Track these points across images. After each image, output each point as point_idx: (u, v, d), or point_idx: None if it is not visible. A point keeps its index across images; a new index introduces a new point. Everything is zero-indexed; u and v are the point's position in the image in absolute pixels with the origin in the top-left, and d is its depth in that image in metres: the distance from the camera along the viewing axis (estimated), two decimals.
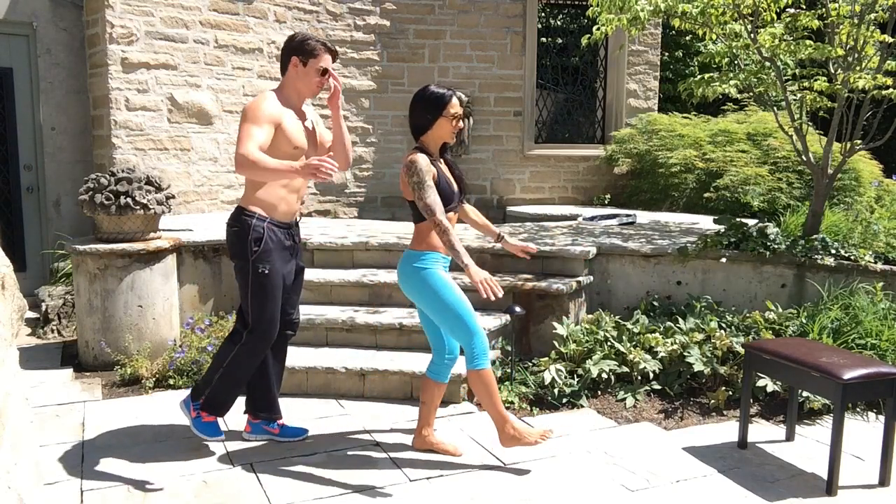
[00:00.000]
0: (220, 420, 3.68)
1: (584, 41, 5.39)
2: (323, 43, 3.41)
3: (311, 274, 5.04)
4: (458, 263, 3.16)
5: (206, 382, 3.49)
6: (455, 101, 3.33)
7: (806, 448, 3.65)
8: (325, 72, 3.41)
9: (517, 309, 4.28)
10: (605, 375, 4.26)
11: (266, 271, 3.32)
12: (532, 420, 3.97)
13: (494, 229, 3.67)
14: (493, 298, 3.10)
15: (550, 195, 8.65)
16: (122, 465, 3.38)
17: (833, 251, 4.93)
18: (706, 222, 6.56)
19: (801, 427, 3.89)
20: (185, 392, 4.32)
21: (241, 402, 3.75)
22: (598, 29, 5.20)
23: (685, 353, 4.30)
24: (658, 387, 4.29)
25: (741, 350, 4.17)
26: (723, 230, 5.30)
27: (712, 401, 4.13)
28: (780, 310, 4.68)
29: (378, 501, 3.08)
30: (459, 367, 3.98)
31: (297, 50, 3.38)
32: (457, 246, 3.15)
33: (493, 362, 4.39)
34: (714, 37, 5.39)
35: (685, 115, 8.77)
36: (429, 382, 3.48)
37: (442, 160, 3.41)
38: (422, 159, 3.23)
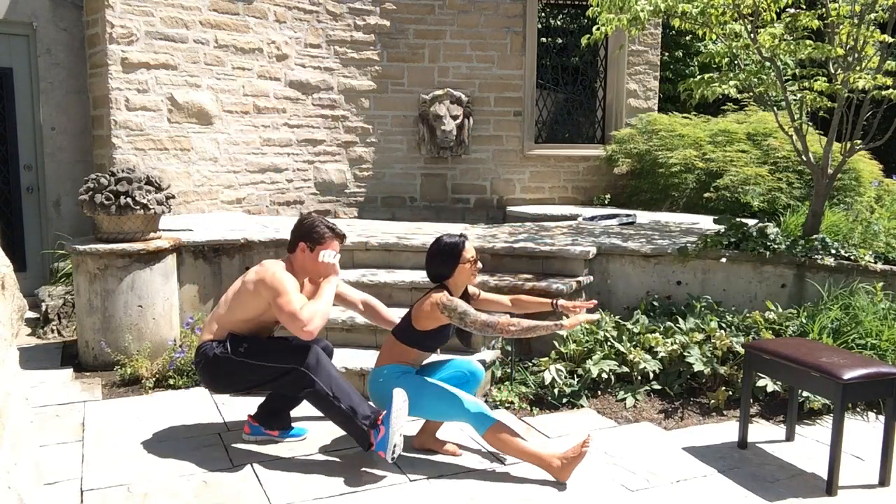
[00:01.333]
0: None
1: (584, 41, 5.39)
2: (331, 228, 3.45)
3: None
4: (548, 332, 3.26)
5: (348, 421, 3.33)
6: (468, 245, 3.42)
7: (806, 448, 3.65)
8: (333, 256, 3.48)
9: None
10: (605, 375, 4.26)
11: (252, 347, 3.38)
12: (532, 420, 3.97)
13: (544, 300, 3.71)
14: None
15: (550, 195, 8.65)
16: (122, 465, 3.38)
17: (833, 251, 4.93)
18: (706, 222, 6.55)
19: (801, 427, 3.89)
20: (186, 392, 4.34)
21: (251, 404, 3.75)
22: (598, 29, 5.19)
23: (685, 353, 4.30)
24: (658, 387, 4.29)
25: (741, 350, 4.17)
26: (723, 230, 5.30)
27: (712, 401, 4.13)
28: (780, 310, 4.68)
29: (378, 501, 3.08)
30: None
31: (305, 236, 3.43)
32: (534, 323, 3.24)
33: (494, 362, 4.40)
34: (714, 37, 5.39)
35: (685, 115, 8.77)
36: None
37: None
38: (448, 296, 3.32)
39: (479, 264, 3.49)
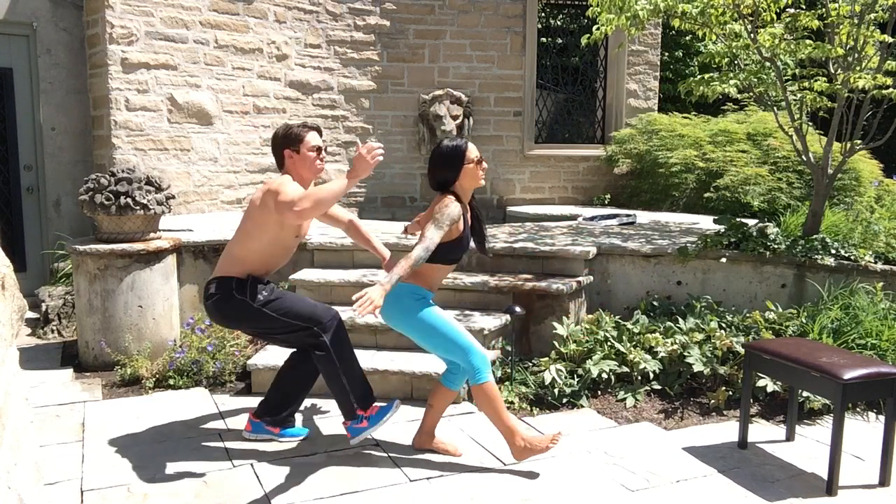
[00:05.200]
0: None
1: (583, 41, 5.39)
2: (302, 124, 3.51)
3: (311, 274, 5.05)
4: (385, 276, 3.08)
5: (345, 396, 3.44)
6: (471, 146, 3.37)
7: (806, 448, 3.65)
8: (319, 149, 3.50)
9: (517, 309, 4.28)
10: (605, 375, 4.26)
11: (271, 296, 3.40)
12: (532, 420, 3.97)
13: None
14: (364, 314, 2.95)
15: (550, 195, 8.65)
16: (122, 464, 3.38)
17: (833, 251, 4.92)
18: (706, 222, 6.55)
19: (801, 427, 3.89)
20: (186, 392, 4.34)
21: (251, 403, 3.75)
22: (598, 29, 5.19)
23: (685, 353, 4.30)
24: (658, 387, 4.29)
25: (741, 350, 4.17)
26: (723, 230, 5.29)
27: (712, 401, 4.13)
28: (780, 310, 4.68)
29: (378, 501, 3.08)
30: None
31: (285, 142, 3.47)
32: (402, 273, 3.07)
33: (494, 362, 4.39)
34: (714, 37, 5.39)
35: (685, 115, 8.77)
36: (441, 388, 3.50)
37: (469, 208, 3.43)
38: (455, 206, 3.24)
39: (485, 164, 3.42)
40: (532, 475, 3.32)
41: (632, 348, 4.39)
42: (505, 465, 3.43)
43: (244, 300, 3.37)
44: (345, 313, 4.72)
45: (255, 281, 3.41)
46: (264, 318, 3.39)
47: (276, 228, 3.39)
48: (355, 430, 3.43)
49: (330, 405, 4.14)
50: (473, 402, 3.88)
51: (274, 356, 4.34)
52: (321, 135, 3.57)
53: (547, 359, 4.43)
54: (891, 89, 4.87)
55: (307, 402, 4.16)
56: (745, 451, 3.61)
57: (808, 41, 5.03)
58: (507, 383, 4.28)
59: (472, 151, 3.35)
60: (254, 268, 3.43)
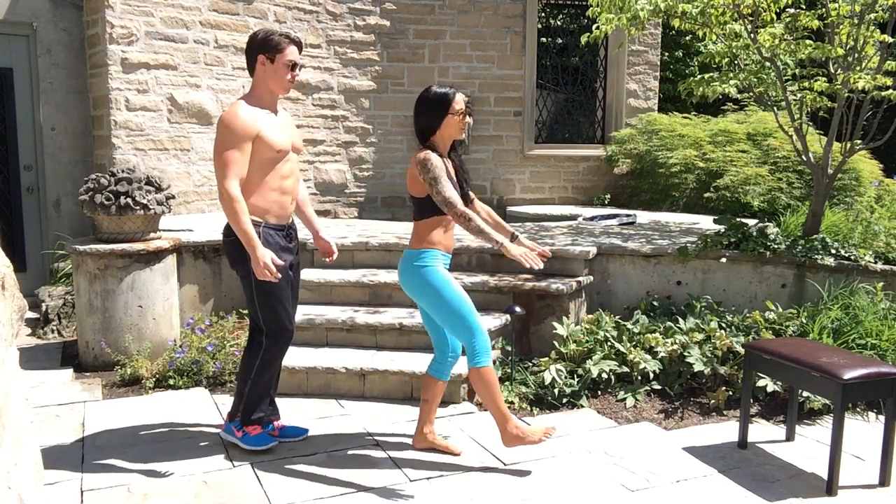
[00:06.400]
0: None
1: (583, 40, 5.38)
2: (286, 35, 3.35)
3: (311, 274, 5.04)
4: (492, 245, 3.16)
5: (239, 398, 3.49)
6: (459, 97, 3.35)
7: (806, 448, 3.65)
8: (294, 66, 3.36)
9: (517, 309, 4.28)
10: (605, 375, 4.26)
11: (276, 262, 3.30)
12: (532, 420, 3.97)
13: (508, 228, 3.62)
14: (536, 267, 3.13)
15: (550, 195, 8.65)
16: (122, 465, 3.38)
17: (833, 251, 4.92)
18: (706, 222, 6.55)
19: (801, 427, 3.89)
20: (186, 392, 4.33)
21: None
22: (598, 28, 5.19)
23: (685, 353, 4.30)
24: (658, 387, 4.29)
25: (741, 350, 4.17)
26: (723, 230, 5.29)
27: (712, 401, 4.13)
28: (780, 310, 4.68)
29: (378, 501, 3.08)
30: (460, 366, 3.98)
31: (262, 47, 3.32)
32: (485, 229, 3.17)
33: (494, 362, 4.39)
34: (714, 37, 5.39)
35: (685, 115, 8.77)
36: (430, 380, 3.49)
37: (450, 160, 3.40)
38: (434, 157, 3.23)
39: (470, 119, 3.39)
40: (532, 475, 3.32)
41: (632, 348, 4.39)
42: (505, 465, 3.43)
43: (247, 269, 3.27)
44: (344, 312, 4.73)
45: (268, 228, 3.31)
46: (247, 279, 3.32)
47: (254, 158, 3.25)
48: (229, 430, 3.54)
49: (329, 407, 4.14)
50: (470, 384, 3.68)
51: None
52: (301, 51, 3.40)
53: (547, 359, 4.43)
54: (891, 89, 4.87)
55: (306, 404, 4.16)
56: (745, 451, 3.61)
57: (808, 41, 5.03)
58: (507, 383, 4.28)
59: (459, 103, 3.34)
60: (256, 211, 3.29)
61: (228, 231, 3.33)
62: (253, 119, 3.26)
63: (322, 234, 3.69)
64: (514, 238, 3.56)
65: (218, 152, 3.20)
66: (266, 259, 3.14)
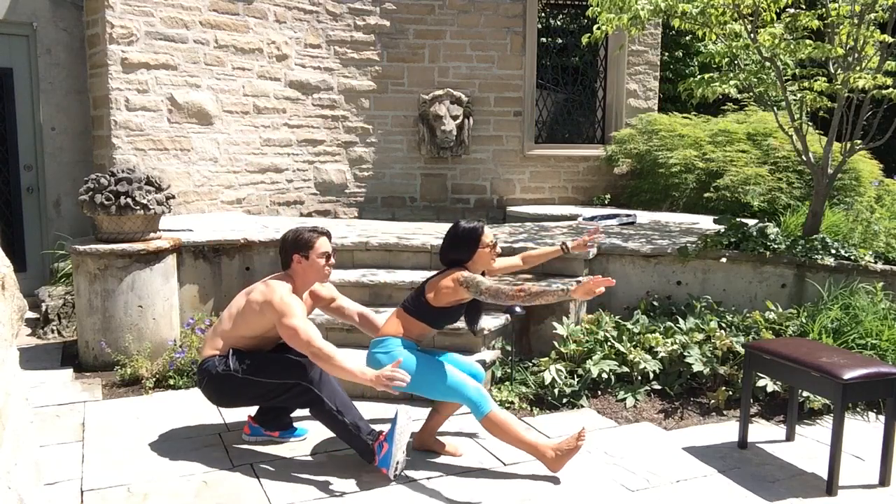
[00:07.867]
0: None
1: (583, 40, 5.39)
2: (314, 230, 3.50)
3: None
4: (560, 296, 3.14)
5: (357, 438, 3.33)
6: (487, 230, 3.42)
7: (806, 448, 3.65)
8: (328, 256, 3.48)
9: (517, 309, 4.28)
10: (605, 375, 4.26)
11: (254, 363, 3.37)
12: (532, 420, 3.97)
13: (558, 246, 3.83)
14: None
15: (550, 195, 8.65)
16: (122, 465, 3.38)
17: (833, 251, 4.92)
18: (706, 222, 6.55)
19: (801, 427, 3.89)
20: (186, 392, 4.35)
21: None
22: (598, 28, 5.19)
23: (685, 353, 4.30)
24: (658, 387, 4.29)
25: (741, 350, 4.17)
26: (723, 230, 5.29)
27: (712, 401, 4.13)
28: (780, 310, 4.68)
29: (378, 501, 3.08)
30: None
31: (295, 247, 3.46)
32: (542, 290, 3.17)
33: (494, 362, 4.40)
34: (714, 37, 5.39)
35: (685, 115, 8.76)
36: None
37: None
38: (465, 272, 3.33)
39: (498, 248, 3.50)
40: (532, 475, 3.32)
41: (632, 348, 4.39)
42: (505, 465, 3.43)
43: (227, 372, 3.35)
44: None
45: (238, 352, 3.41)
46: (254, 385, 3.36)
47: (270, 328, 3.39)
48: (384, 460, 3.26)
49: None
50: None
51: None
52: (330, 239, 3.55)
53: (547, 359, 4.43)
54: (891, 89, 4.87)
55: None
56: (745, 451, 3.61)
57: (808, 41, 5.03)
58: (507, 383, 4.29)
59: (488, 236, 3.41)
60: (240, 347, 3.44)
61: (203, 372, 3.41)
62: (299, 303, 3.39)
63: (570, 243, 3.85)
64: (565, 246, 3.79)
65: (289, 325, 3.25)
66: (376, 374, 3.15)
